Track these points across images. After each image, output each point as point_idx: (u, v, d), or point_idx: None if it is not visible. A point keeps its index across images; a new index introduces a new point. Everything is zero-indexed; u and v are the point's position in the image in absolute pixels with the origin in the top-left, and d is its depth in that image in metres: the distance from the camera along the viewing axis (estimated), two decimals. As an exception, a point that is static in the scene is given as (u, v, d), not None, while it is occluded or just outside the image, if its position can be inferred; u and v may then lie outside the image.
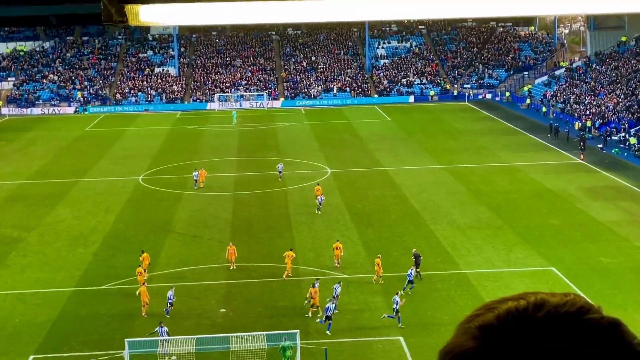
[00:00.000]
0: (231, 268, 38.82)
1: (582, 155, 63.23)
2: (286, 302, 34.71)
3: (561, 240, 42.65)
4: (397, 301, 32.04)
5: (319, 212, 47.73)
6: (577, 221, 46.16)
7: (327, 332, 31.71)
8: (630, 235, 43.16)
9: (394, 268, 38.22)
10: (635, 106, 74.16)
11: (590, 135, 69.79)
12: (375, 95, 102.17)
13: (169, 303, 33.76)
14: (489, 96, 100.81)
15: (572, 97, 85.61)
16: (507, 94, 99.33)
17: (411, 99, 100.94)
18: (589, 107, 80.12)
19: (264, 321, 33.01)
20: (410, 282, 35.17)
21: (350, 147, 70.21)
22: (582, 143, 64.84)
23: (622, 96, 78.44)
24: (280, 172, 57.36)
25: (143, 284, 35.05)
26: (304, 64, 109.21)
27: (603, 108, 77.84)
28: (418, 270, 36.79)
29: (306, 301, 33.95)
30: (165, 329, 30.52)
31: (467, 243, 42.55)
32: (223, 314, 34.13)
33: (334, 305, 32.18)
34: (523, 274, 37.72)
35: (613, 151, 65.44)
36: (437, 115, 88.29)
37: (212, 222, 47.68)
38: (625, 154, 64.63)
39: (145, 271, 37.50)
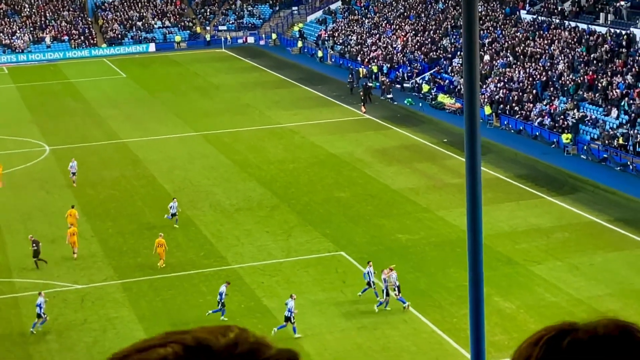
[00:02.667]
0: None
1: (363, 108, 66.19)
2: (4, 329, 33.81)
3: (351, 217, 44.51)
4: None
5: (177, 226, 43.99)
6: (369, 192, 48.33)
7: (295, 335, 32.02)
8: (431, 204, 45.89)
9: (145, 271, 38.18)
10: (429, 45, 78.55)
11: (377, 84, 73.03)
12: (104, 45, 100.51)
13: (41, 313, 33.36)
14: (251, 40, 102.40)
15: (353, 37, 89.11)
16: (274, 36, 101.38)
17: (152, 47, 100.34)
18: (373, 48, 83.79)
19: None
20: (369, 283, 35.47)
21: (74, 115, 68.86)
22: (364, 93, 67.60)
23: (412, 33, 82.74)
24: (73, 174, 50.75)
25: None
26: (3, 6, 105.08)
27: (390, 49, 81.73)
28: (35, 259, 39.03)
29: None
30: None
31: (236, 230, 43.24)
32: None
33: (293, 301, 32.55)
34: (307, 262, 38.98)
35: (405, 102, 68.99)
36: (187, 68, 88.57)
37: None
38: (420, 104, 68.37)
39: None
